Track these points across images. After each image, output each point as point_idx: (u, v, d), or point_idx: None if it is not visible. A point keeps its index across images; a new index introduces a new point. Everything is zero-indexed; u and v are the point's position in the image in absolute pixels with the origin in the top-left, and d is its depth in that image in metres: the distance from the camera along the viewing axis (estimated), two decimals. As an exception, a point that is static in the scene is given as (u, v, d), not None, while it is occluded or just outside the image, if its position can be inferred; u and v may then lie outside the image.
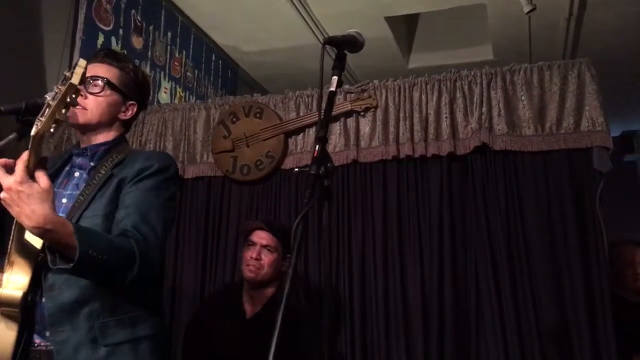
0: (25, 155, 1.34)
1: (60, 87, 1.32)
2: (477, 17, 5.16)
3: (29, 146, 1.34)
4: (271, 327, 2.26)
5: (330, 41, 1.45)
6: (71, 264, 1.35)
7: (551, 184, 2.81)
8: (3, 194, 1.33)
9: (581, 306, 2.64)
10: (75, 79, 1.31)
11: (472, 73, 2.99)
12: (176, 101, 4.67)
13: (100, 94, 1.68)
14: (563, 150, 2.81)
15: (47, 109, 1.32)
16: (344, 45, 1.47)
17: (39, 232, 1.35)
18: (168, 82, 4.68)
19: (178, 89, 4.82)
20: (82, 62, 1.35)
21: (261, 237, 2.64)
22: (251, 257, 2.60)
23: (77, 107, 1.58)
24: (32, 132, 1.34)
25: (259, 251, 2.60)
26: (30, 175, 1.34)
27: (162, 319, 1.71)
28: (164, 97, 4.59)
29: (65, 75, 1.33)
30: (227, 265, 3.22)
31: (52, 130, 1.34)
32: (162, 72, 4.62)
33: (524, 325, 2.70)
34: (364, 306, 2.94)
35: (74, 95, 1.32)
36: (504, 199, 2.85)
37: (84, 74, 1.33)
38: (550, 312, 2.68)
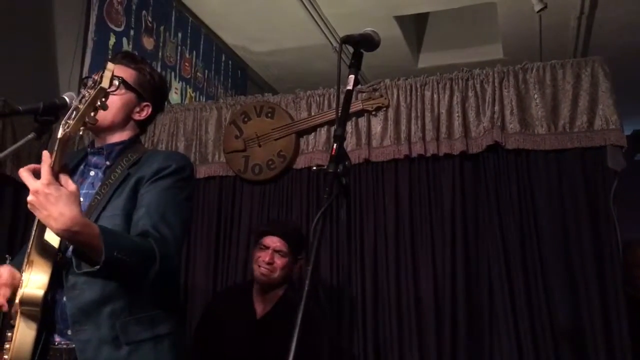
0: (48, 159, 1.35)
1: (89, 90, 1.33)
2: (487, 16, 5.14)
3: (55, 148, 1.35)
4: (281, 327, 2.27)
5: (347, 40, 1.44)
6: (97, 267, 1.37)
7: (564, 183, 2.80)
8: (31, 198, 1.33)
9: (595, 305, 2.63)
10: (106, 83, 1.32)
11: (484, 72, 2.98)
12: (187, 101, 4.69)
13: (115, 92, 1.68)
14: (576, 148, 2.80)
15: (75, 112, 1.33)
16: (360, 44, 1.46)
17: (67, 234, 1.36)
18: (178, 82, 4.70)
19: (188, 89, 4.83)
20: (111, 66, 1.36)
21: (273, 241, 2.65)
22: (263, 260, 2.61)
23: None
24: (59, 135, 1.34)
25: (272, 255, 2.62)
26: (55, 177, 1.35)
27: (180, 318, 1.72)
28: (174, 97, 4.60)
29: (95, 79, 1.34)
30: (238, 264, 3.23)
31: (80, 133, 1.35)
32: (173, 73, 4.63)
33: (537, 324, 2.69)
34: (376, 305, 2.94)
35: (103, 99, 1.33)
36: (516, 198, 2.84)
37: (112, 77, 1.34)
38: (564, 311, 2.67)
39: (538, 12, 4.23)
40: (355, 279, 2.99)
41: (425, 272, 2.90)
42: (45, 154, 1.35)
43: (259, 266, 2.62)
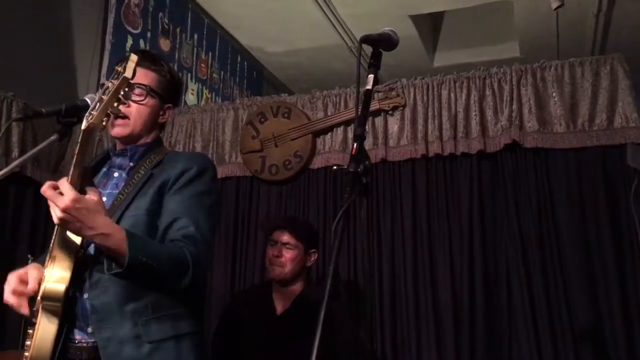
0: (64, 178, 1.38)
1: (112, 81, 1.34)
2: (503, 14, 5.11)
3: (79, 140, 1.37)
4: (300, 324, 2.27)
5: (366, 39, 1.44)
6: (121, 269, 1.40)
7: (584, 182, 2.78)
8: (61, 215, 1.34)
9: (615, 306, 2.60)
10: (129, 73, 1.33)
11: (502, 70, 2.96)
12: (203, 102, 4.72)
13: (143, 102, 1.69)
14: (596, 147, 2.78)
15: (99, 104, 1.34)
16: (379, 44, 1.46)
17: (98, 238, 1.39)
18: (195, 83, 4.73)
19: (205, 90, 4.86)
20: (134, 57, 1.37)
21: (280, 235, 2.65)
22: (273, 255, 2.62)
23: (119, 118, 1.63)
24: (83, 126, 1.36)
25: (280, 249, 2.62)
26: (74, 185, 1.37)
27: (201, 317, 1.73)
28: (191, 98, 4.63)
29: (117, 69, 1.36)
30: (256, 264, 3.24)
31: (103, 123, 1.36)
32: (189, 74, 4.67)
33: (557, 325, 2.67)
34: (394, 305, 2.93)
35: (127, 89, 1.35)
36: (535, 197, 2.82)
37: (135, 68, 1.35)
38: (584, 312, 2.64)
39: (555, 9, 4.20)
40: (372, 279, 2.98)
41: (443, 272, 2.89)
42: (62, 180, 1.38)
43: (270, 263, 2.63)
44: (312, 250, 2.68)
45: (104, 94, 1.35)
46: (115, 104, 1.35)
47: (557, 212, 2.78)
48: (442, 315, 2.84)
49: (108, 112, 1.35)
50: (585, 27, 4.94)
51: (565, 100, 2.85)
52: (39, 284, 1.50)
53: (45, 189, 1.35)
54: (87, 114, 1.37)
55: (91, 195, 1.40)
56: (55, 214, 1.35)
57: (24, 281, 1.52)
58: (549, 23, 4.84)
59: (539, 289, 2.71)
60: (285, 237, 2.64)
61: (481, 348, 2.75)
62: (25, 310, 1.51)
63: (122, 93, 1.35)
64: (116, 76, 1.35)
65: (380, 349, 2.88)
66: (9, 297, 1.51)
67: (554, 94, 2.87)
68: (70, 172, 1.40)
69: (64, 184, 1.36)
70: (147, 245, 1.47)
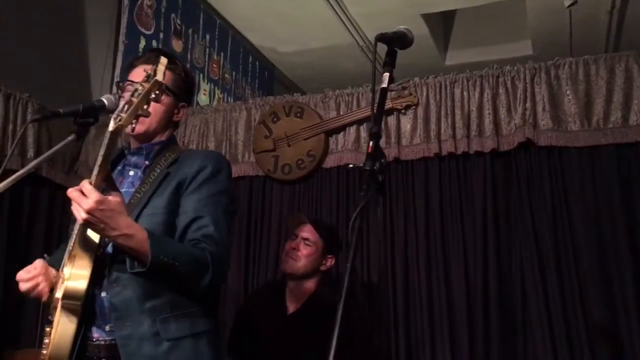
0: (85, 180, 1.41)
1: (143, 84, 1.36)
2: (516, 12, 5.09)
3: (105, 142, 1.39)
4: (312, 323, 2.26)
5: (381, 38, 1.44)
6: (144, 268, 1.43)
7: (599, 180, 2.75)
8: (85, 216, 1.37)
9: (631, 305, 2.57)
10: (160, 76, 1.35)
11: (515, 68, 2.95)
12: (215, 103, 4.74)
13: (159, 100, 1.71)
14: (611, 145, 2.75)
15: (128, 106, 1.36)
16: (394, 42, 1.46)
17: (121, 239, 1.43)
18: (207, 83, 4.75)
19: (217, 91, 4.88)
20: (164, 60, 1.40)
21: (304, 230, 2.65)
22: (290, 248, 2.62)
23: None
24: (111, 128, 1.38)
25: (298, 243, 2.62)
26: (97, 187, 1.40)
27: (217, 316, 1.74)
28: (203, 98, 4.65)
29: (148, 73, 1.37)
30: (269, 263, 3.25)
31: (133, 125, 1.38)
32: (201, 74, 4.69)
33: (572, 325, 2.65)
34: (407, 304, 2.93)
35: (157, 92, 1.36)
36: (549, 196, 2.80)
37: (164, 71, 1.37)
38: (600, 312, 2.62)
39: (568, 7, 4.18)
40: (385, 277, 2.98)
41: (457, 271, 2.88)
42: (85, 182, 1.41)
43: (285, 255, 2.63)
44: (330, 255, 2.66)
45: (132, 95, 1.36)
46: (145, 107, 1.37)
47: (571, 210, 2.76)
48: (456, 314, 2.82)
49: (138, 113, 1.37)
50: (598, 25, 4.90)
51: (580, 98, 2.83)
52: (55, 282, 1.53)
53: (71, 191, 1.39)
54: (114, 115, 1.39)
55: (114, 197, 1.43)
56: (80, 215, 1.38)
57: (29, 270, 1.58)
58: (562, 21, 4.82)
59: (554, 288, 2.69)
60: (306, 233, 2.63)
61: (495, 348, 2.74)
62: (43, 289, 1.55)
63: (153, 96, 1.36)
64: (146, 79, 1.37)
65: (394, 348, 2.88)
66: (24, 285, 1.57)
67: (568, 92, 2.85)
68: (94, 174, 1.42)
69: (88, 186, 1.38)
70: (169, 245, 1.50)
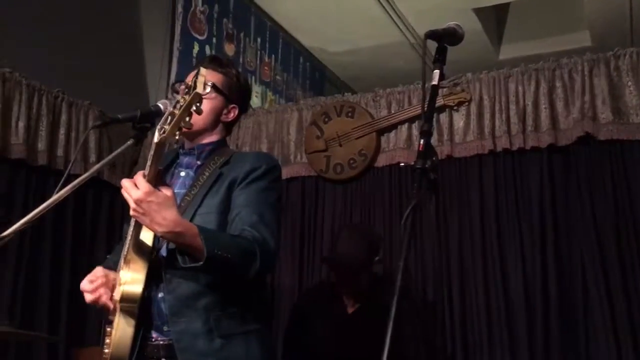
0: (140, 172, 1.45)
1: (184, 96, 1.38)
2: (572, 1, 4.92)
3: (151, 152, 1.43)
4: (370, 323, 2.26)
5: (431, 35, 1.43)
6: (200, 263, 1.44)
7: (664, 174, 2.64)
8: (134, 206, 1.42)
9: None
10: (200, 88, 1.37)
11: (572, 61, 2.86)
12: (267, 104, 4.80)
13: (200, 112, 1.75)
14: (676, 137, 2.64)
15: (171, 117, 1.38)
16: (444, 38, 1.44)
17: (171, 236, 1.46)
18: (259, 86, 4.82)
19: (268, 93, 4.94)
20: (204, 71, 1.43)
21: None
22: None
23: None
24: (156, 140, 1.41)
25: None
26: (151, 183, 1.44)
27: (267, 315, 1.77)
28: (255, 101, 4.72)
29: (189, 84, 1.40)
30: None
31: (176, 137, 1.41)
32: (253, 77, 4.75)
33: (637, 324, 2.54)
34: (463, 304, 2.88)
35: (198, 104, 1.38)
36: (611, 192, 2.70)
37: (205, 82, 1.39)
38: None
39: (629, -6, 4.00)
40: (440, 278, 2.94)
41: (514, 270, 2.81)
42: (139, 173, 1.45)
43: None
44: (377, 257, 2.65)
45: (175, 107, 1.38)
46: (187, 119, 1.39)
47: (635, 206, 2.65)
48: (514, 315, 2.76)
49: (180, 126, 1.39)
50: (662, 12, 4.69)
51: (642, 89, 2.72)
52: (114, 286, 1.58)
53: (125, 180, 1.44)
54: (158, 126, 1.42)
55: (165, 191, 1.46)
56: (131, 206, 1.42)
57: (92, 281, 1.63)
58: (621, 9, 4.63)
59: (618, 288, 2.59)
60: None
61: (556, 350, 2.66)
62: (106, 301, 1.60)
63: (194, 108, 1.38)
64: (187, 90, 1.39)
65: (451, 350, 2.84)
66: (88, 297, 1.62)
67: (630, 83, 2.74)
68: (146, 171, 1.45)
69: (140, 178, 1.43)
70: (220, 238, 1.52)
